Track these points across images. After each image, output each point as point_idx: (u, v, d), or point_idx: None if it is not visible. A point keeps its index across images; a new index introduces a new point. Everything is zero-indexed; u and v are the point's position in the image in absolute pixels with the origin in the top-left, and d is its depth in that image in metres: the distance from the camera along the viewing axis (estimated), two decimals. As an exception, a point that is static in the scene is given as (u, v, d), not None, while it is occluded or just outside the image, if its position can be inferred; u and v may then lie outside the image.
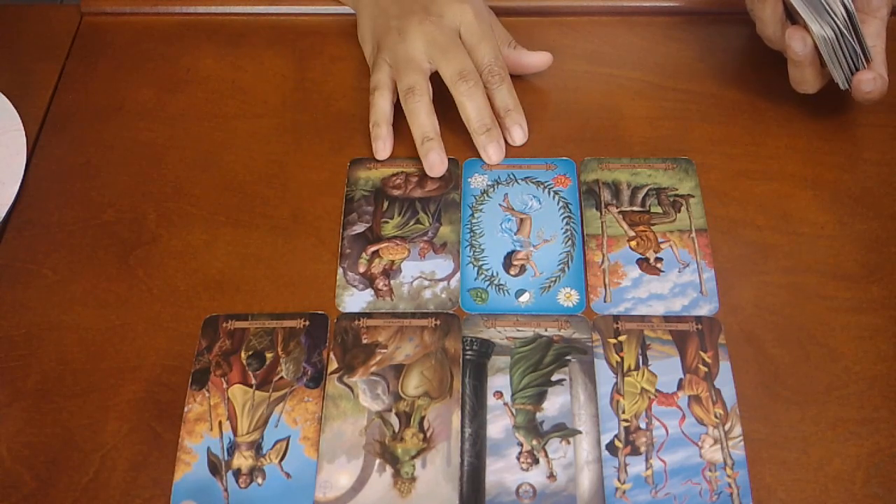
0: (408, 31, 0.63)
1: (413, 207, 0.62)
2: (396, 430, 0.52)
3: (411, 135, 0.63)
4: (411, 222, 0.61)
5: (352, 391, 0.54)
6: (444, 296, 0.57)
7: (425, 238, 0.60)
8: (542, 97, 0.68)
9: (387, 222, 0.61)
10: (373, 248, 0.60)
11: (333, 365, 0.55)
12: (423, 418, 0.53)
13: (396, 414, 0.53)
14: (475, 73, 0.62)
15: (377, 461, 0.51)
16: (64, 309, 0.58)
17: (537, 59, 0.67)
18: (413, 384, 0.54)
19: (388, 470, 0.51)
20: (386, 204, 0.62)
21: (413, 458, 0.51)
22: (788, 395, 0.53)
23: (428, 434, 0.52)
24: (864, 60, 0.60)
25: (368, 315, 0.57)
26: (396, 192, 0.63)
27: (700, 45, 0.71)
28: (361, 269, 0.59)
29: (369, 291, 0.58)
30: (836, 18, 0.58)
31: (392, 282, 0.58)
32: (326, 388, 0.54)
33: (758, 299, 0.57)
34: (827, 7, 0.58)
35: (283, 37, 0.65)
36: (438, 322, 0.56)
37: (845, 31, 0.58)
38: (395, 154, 0.64)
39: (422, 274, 0.59)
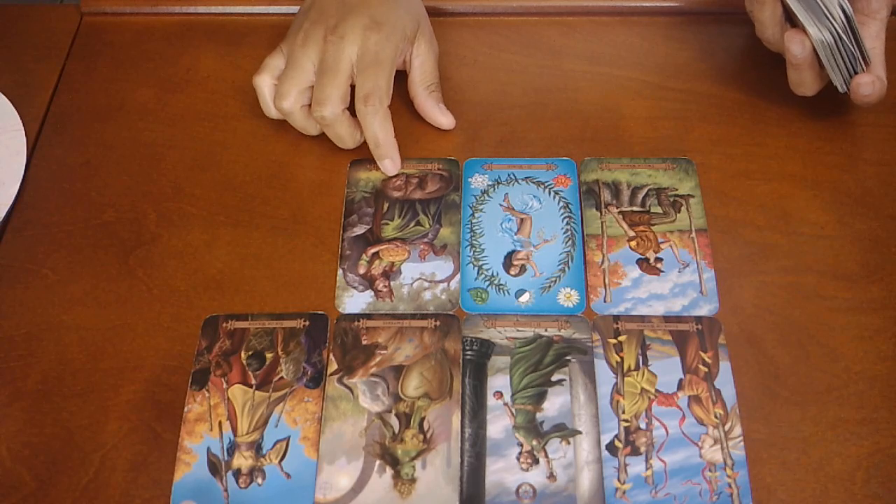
0: (309, 42, 0.62)
1: (413, 209, 0.62)
2: (396, 431, 0.52)
3: (414, 144, 0.63)
4: (411, 224, 0.61)
5: (352, 392, 0.54)
6: (444, 297, 0.57)
7: (425, 240, 0.60)
8: (542, 97, 0.68)
9: (387, 224, 0.61)
10: (373, 250, 0.60)
11: (333, 366, 0.55)
12: (423, 419, 0.52)
13: (396, 415, 0.53)
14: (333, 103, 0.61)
15: (377, 462, 0.51)
16: (64, 309, 0.58)
17: (443, 120, 0.66)
18: (413, 385, 0.54)
19: (389, 471, 0.51)
20: (386, 205, 0.62)
21: (413, 459, 0.51)
22: (788, 395, 0.53)
23: (428, 435, 0.52)
24: (862, 63, 0.60)
25: (368, 316, 0.57)
26: (397, 194, 0.63)
27: (700, 45, 0.71)
28: (361, 271, 0.59)
29: (369, 293, 0.58)
30: (834, 22, 0.58)
31: (392, 283, 0.58)
32: (326, 389, 0.54)
33: (758, 299, 0.57)
34: (825, 11, 0.58)
35: (283, 37, 0.65)
36: (438, 323, 0.56)
37: (843, 35, 0.58)
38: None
39: (422, 275, 0.59)
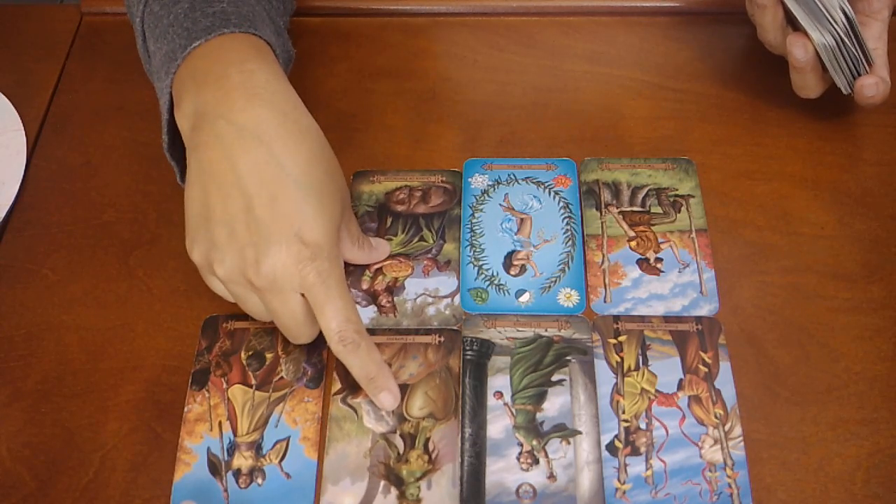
0: (235, 284, 0.52)
1: (417, 224, 0.61)
2: (401, 451, 0.52)
3: (414, 144, 0.63)
4: (415, 239, 0.60)
5: (356, 412, 0.53)
6: (447, 312, 0.57)
7: (429, 255, 0.60)
8: (542, 97, 0.68)
9: (390, 239, 0.60)
10: (376, 265, 0.60)
11: (337, 385, 0.54)
12: (427, 440, 0.52)
13: (401, 435, 0.52)
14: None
15: (382, 483, 0.51)
16: (64, 309, 0.58)
17: (383, 251, 0.59)
18: (417, 405, 0.53)
19: (393, 492, 0.50)
20: (390, 220, 0.61)
21: (418, 479, 0.51)
22: (788, 395, 0.53)
23: (433, 455, 0.52)
24: (865, 65, 0.60)
25: (371, 332, 0.55)
26: (400, 208, 0.62)
27: (700, 45, 0.71)
28: (364, 286, 0.59)
29: (372, 308, 0.58)
30: (836, 25, 0.58)
31: (395, 298, 0.58)
32: (330, 409, 0.53)
33: (758, 299, 0.57)
34: (827, 14, 0.58)
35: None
36: (442, 339, 0.56)
37: (846, 38, 0.58)
38: (399, 166, 0.64)
39: (426, 291, 0.58)
